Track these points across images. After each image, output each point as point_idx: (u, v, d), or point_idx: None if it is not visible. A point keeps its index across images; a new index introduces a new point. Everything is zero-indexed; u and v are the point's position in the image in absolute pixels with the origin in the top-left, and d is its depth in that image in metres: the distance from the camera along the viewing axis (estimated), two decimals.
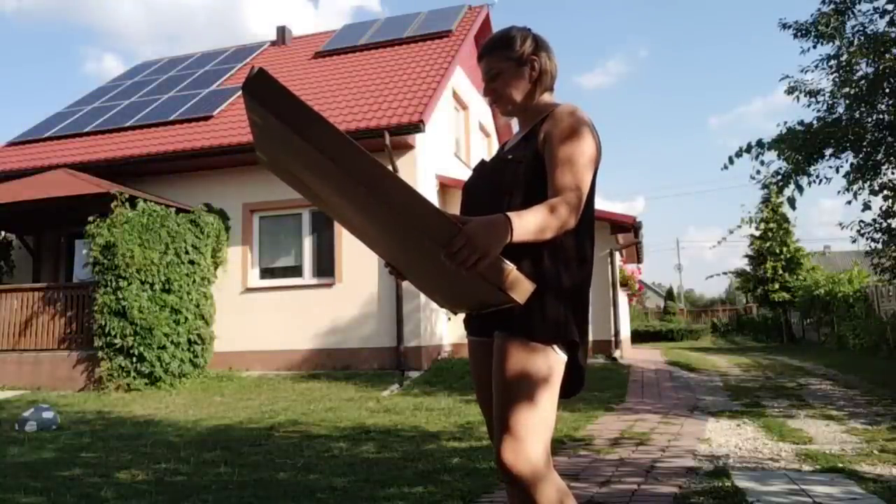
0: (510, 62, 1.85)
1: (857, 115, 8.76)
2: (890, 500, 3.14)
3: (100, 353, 8.97)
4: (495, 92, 1.89)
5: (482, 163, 1.93)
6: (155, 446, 5.07)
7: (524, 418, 1.57)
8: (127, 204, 9.40)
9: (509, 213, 1.48)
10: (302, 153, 1.42)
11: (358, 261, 10.18)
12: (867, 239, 9.89)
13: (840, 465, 3.96)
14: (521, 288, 1.43)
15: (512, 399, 1.59)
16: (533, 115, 1.86)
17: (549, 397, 1.62)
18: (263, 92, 1.34)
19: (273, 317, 10.36)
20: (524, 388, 1.59)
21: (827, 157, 8.89)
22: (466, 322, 1.89)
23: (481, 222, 1.42)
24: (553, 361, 1.64)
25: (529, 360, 1.61)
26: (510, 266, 1.41)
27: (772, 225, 21.98)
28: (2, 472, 4.26)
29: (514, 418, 1.57)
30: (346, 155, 1.35)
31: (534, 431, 1.56)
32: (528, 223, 1.50)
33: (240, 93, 12.70)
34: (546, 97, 1.89)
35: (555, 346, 1.64)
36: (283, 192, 10.66)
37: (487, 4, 14.80)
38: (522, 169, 1.72)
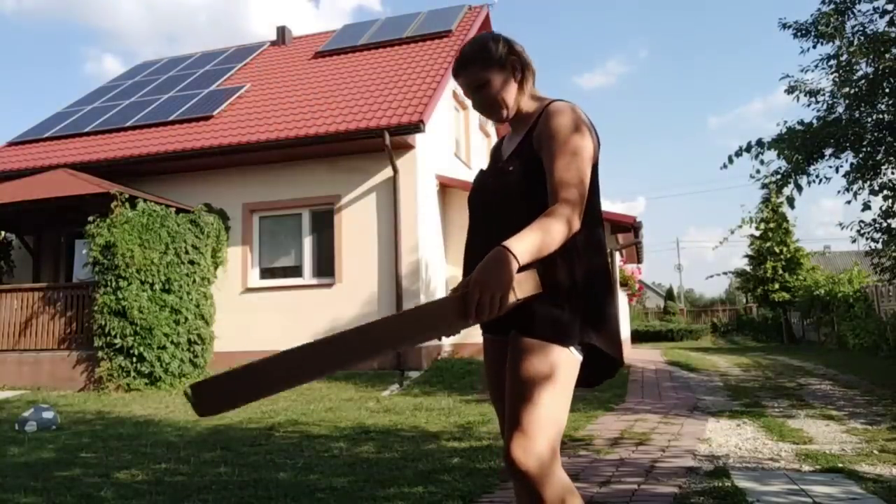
0: (492, 68, 1.81)
1: (856, 114, 8.75)
2: (890, 500, 3.14)
3: (100, 353, 8.97)
4: (485, 101, 1.84)
5: (482, 174, 1.92)
6: (155, 446, 5.07)
7: (534, 416, 1.57)
8: (127, 204, 9.40)
9: (507, 242, 1.49)
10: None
11: (358, 261, 10.19)
12: (867, 239, 9.88)
13: (840, 465, 3.96)
14: (527, 286, 1.50)
15: (523, 397, 1.60)
16: (525, 117, 1.85)
17: (559, 396, 1.62)
18: (215, 400, 1.39)
19: (273, 317, 10.35)
20: (536, 386, 1.60)
21: (827, 157, 8.88)
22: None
23: (482, 267, 1.47)
24: (566, 360, 1.64)
25: (542, 359, 1.61)
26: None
27: (772, 225, 21.98)
28: (2, 472, 4.27)
29: (525, 415, 1.57)
30: (347, 361, 1.48)
31: (543, 429, 1.57)
32: (530, 244, 1.51)
33: (239, 93, 12.72)
34: (533, 95, 1.88)
35: (570, 347, 1.65)
36: (283, 192, 10.71)
37: (487, 4, 14.82)
38: (524, 177, 1.72)
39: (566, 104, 1.77)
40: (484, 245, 1.65)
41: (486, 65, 1.81)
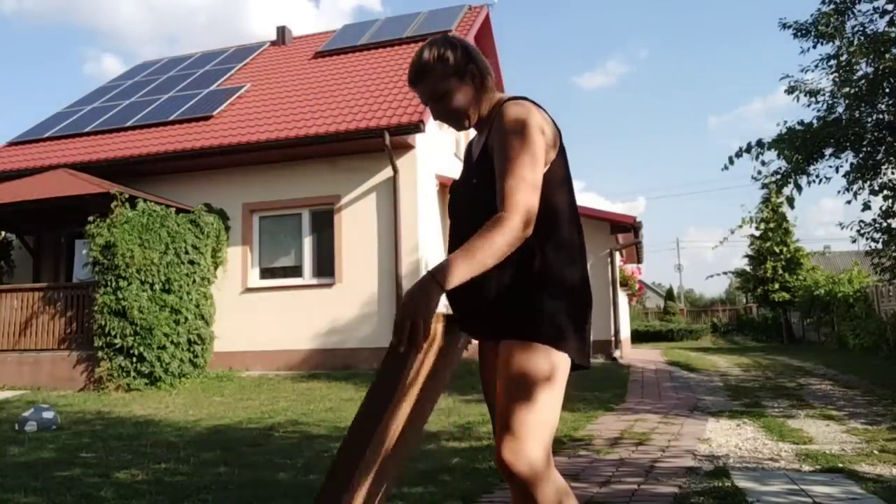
0: (451, 78, 1.77)
1: (857, 114, 8.75)
2: (890, 500, 3.14)
3: (100, 353, 8.97)
4: (447, 112, 1.81)
5: (456, 182, 1.92)
6: (155, 446, 5.06)
7: (524, 418, 1.57)
8: (127, 204, 9.40)
9: (435, 268, 1.52)
10: None
11: (358, 261, 10.19)
12: (867, 239, 9.88)
13: (840, 465, 3.96)
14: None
15: (513, 399, 1.60)
16: (486, 120, 1.83)
17: (551, 397, 1.62)
18: None
19: (273, 317, 10.35)
20: (525, 388, 1.60)
21: (827, 157, 8.89)
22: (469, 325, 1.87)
23: (407, 293, 1.52)
24: (556, 360, 1.64)
25: (530, 361, 1.61)
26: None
27: (772, 225, 21.98)
28: (2, 472, 4.26)
29: (515, 418, 1.58)
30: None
31: (533, 431, 1.57)
32: (460, 265, 1.52)
33: (239, 93, 12.70)
34: (492, 96, 1.85)
35: (558, 346, 1.65)
36: (283, 192, 10.71)
37: (487, 4, 14.81)
38: (488, 188, 1.70)
39: (515, 104, 1.74)
40: (454, 248, 1.72)
41: (444, 76, 1.77)
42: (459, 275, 1.52)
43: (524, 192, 1.60)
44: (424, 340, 1.52)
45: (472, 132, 1.94)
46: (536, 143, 1.66)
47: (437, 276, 1.51)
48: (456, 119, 1.82)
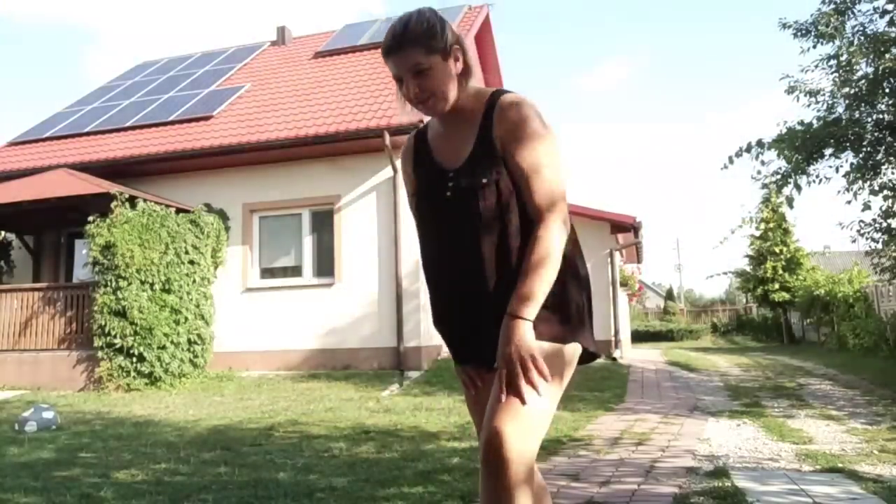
0: (436, 55, 1.59)
1: (856, 114, 8.75)
2: (890, 500, 3.14)
3: (100, 353, 8.97)
4: (423, 90, 1.61)
5: (438, 188, 1.67)
6: (155, 446, 5.07)
7: (529, 407, 1.51)
8: (127, 204, 9.40)
9: (517, 310, 1.50)
10: None
11: (358, 261, 10.19)
12: (867, 239, 9.89)
13: (840, 465, 3.97)
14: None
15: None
16: (464, 111, 1.66)
17: (556, 394, 1.60)
18: None
19: (273, 317, 10.35)
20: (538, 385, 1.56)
21: (827, 157, 8.89)
22: (460, 355, 1.76)
23: (501, 345, 1.50)
24: (568, 355, 1.62)
25: (547, 360, 1.57)
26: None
27: (771, 225, 21.98)
28: (2, 472, 4.26)
29: (521, 406, 1.51)
30: None
31: (535, 420, 1.54)
32: (537, 286, 1.51)
33: (239, 93, 12.70)
34: (471, 87, 1.68)
35: (572, 342, 1.64)
36: (283, 192, 10.70)
37: (487, 4, 14.81)
38: (503, 185, 1.59)
39: (521, 97, 1.63)
40: (453, 260, 1.63)
41: (430, 50, 1.59)
42: (541, 293, 1.53)
43: (564, 195, 1.59)
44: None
45: (407, 124, 1.84)
46: (557, 138, 1.61)
47: (517, 315, 1.51)
48: (431, 100, 1.63)
